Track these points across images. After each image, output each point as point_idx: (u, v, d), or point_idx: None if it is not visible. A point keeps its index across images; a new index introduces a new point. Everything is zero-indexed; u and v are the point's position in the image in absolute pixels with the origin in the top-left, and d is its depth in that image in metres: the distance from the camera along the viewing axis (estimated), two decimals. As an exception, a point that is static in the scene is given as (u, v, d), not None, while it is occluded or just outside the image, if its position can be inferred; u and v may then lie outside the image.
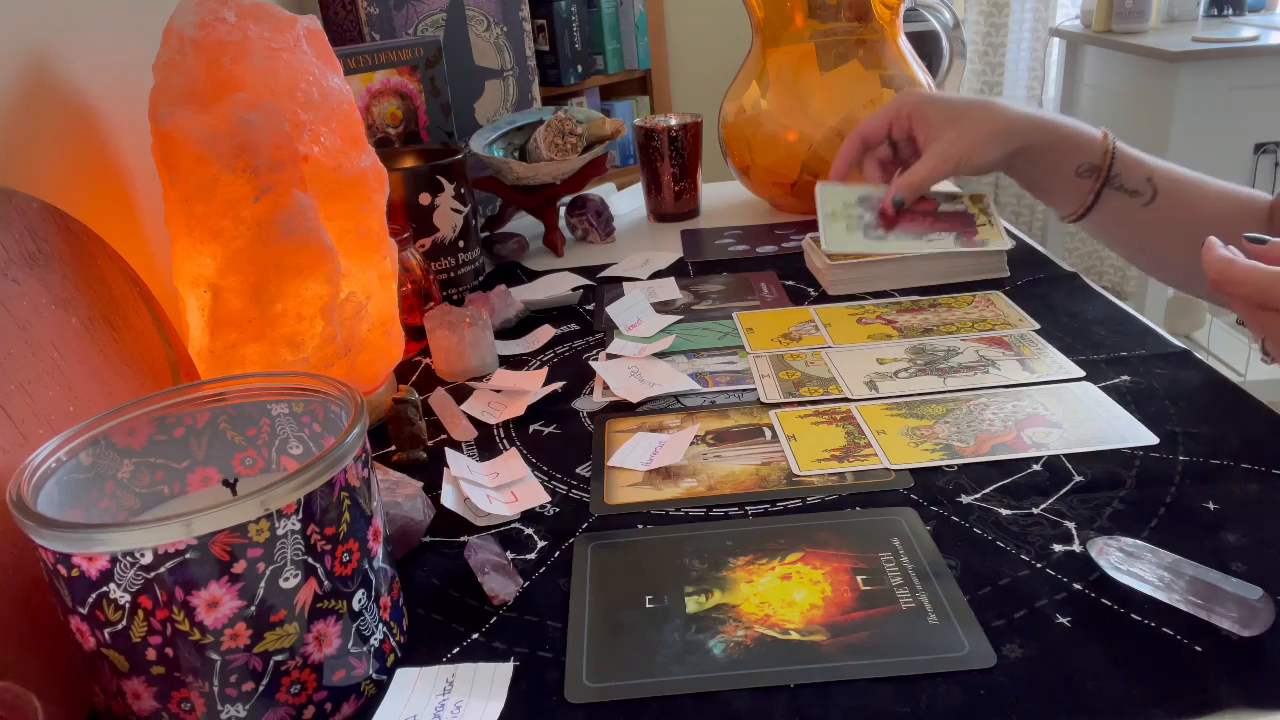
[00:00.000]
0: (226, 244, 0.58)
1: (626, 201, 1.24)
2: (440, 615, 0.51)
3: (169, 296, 0.67)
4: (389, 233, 0.70)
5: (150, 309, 0.60)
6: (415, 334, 0.82)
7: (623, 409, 0.71)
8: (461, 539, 0.56)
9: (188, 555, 0.37)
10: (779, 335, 0.80)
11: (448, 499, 0.58)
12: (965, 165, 0.83)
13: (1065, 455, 0.59)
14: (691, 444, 0.65)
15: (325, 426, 0.50)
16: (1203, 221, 0.74)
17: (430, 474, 0.64)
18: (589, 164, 1.03)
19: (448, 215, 0.90)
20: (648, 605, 0.50)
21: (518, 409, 0.71)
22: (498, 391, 0.75)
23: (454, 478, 0.60)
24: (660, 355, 0.79)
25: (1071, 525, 0.53)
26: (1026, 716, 0.41)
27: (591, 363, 0.78)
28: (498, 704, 0.44)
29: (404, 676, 0.46)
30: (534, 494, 0.61)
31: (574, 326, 0.87)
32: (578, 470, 0.64)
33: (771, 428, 0.66)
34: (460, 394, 0.76)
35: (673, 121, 1.12)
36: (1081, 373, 0.69)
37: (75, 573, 0.38)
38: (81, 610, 0.39)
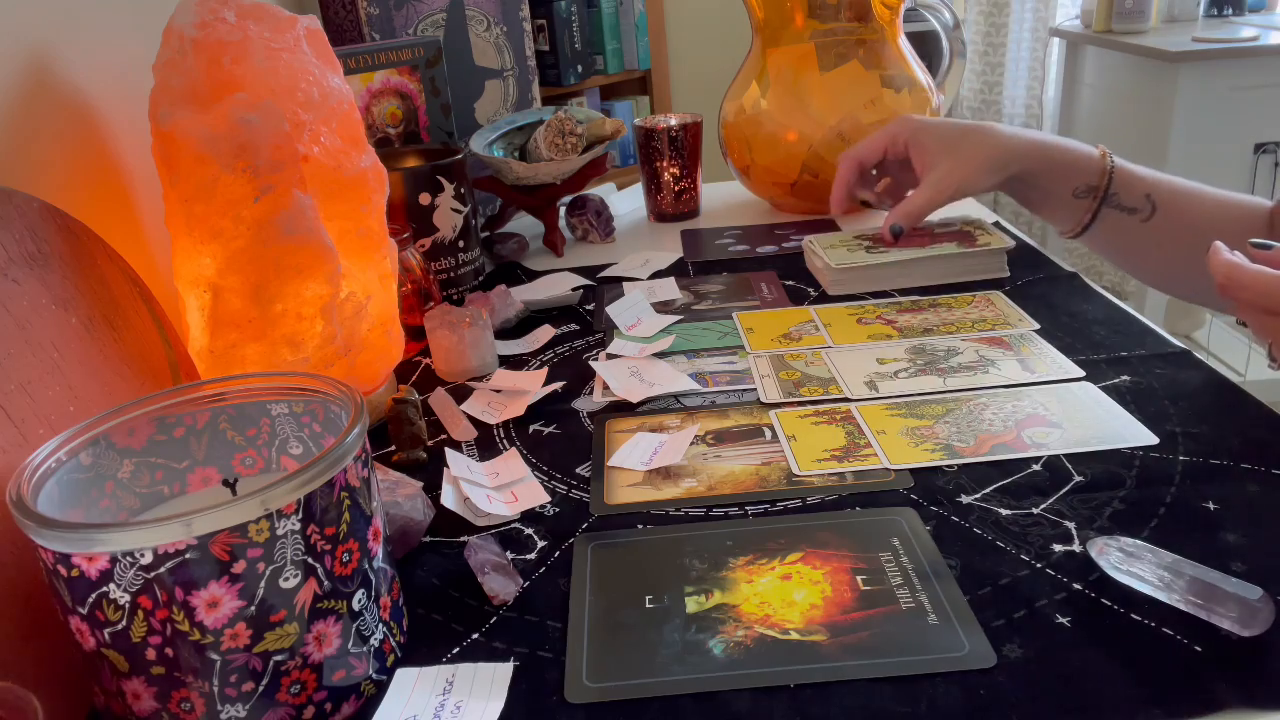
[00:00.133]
0: (226, 244, 0.58)
1: (626, 201, 1.23)
2: (440, 615, 0.51)
3: (169, 296, 0.67)
4: (389, 233, 0.70)
5: (150, 309, 0.60)
6: (415, 334, 0.82)
7: (623, 409, 0.71)
8: (461, 539, 0.56)
9: (188, 555, 0.37)
10: (779, 335, 0.80)
11: (448, 499, 0.58)
12: (962, 193, 0.84)
13: (1065, 455, 0.59)
14: (691, 444, 0.65)
15: (325, 426, 0.50)
16: (1203, 232, 0.74)
17: (430, 474, 0.64)
18: (589, 164, 1.03)
19: (448, 215, 0.90)
20: (648, 605, 0.50)
21: (518, 409, 0.71)
22: (498, 391, 0.75)
23: (454, 478, 0.60)
24: (660, 355, 0.79)
25: (1071, 525, 0.53)
26: (1026, 716, 0.41)
27: (591, 363, 0.78)
28: (498, 704, 0.44)
29: (404, 676, 0.46)
30: (534, 494, 0.61)
31: (574, 326, 0.87)
32: (578, 470, 0.64)
33: (771, 428, 0.66)
34: (460, 394, 0.76)
35: (673, 121, 1.12)
36: (1081, 373, 0.69)
37: (75, 573, 0.38)
38: (81, 610, 0.39)
